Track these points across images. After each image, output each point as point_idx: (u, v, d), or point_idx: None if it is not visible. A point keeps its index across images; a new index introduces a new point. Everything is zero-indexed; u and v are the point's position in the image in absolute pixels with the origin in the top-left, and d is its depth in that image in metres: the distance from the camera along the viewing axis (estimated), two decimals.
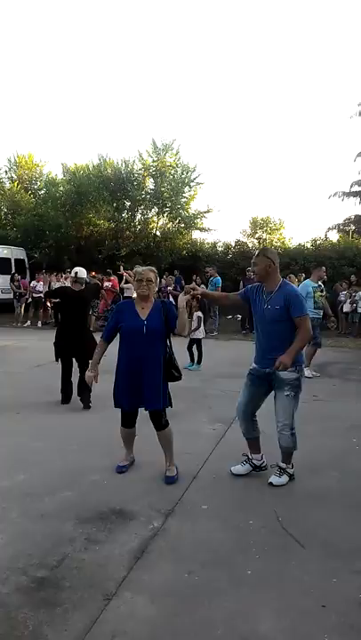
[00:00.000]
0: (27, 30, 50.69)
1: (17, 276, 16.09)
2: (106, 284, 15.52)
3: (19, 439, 4.74)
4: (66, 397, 6.21)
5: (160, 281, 15.50)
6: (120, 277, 15.29)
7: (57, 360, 6.18)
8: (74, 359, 6.12)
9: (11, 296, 15.87)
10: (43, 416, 5.55)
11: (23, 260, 18.67)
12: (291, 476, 3.96)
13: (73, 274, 6.42)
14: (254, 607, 2.43)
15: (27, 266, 18.59)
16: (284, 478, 3.92)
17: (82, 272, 6.36)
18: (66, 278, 15.33)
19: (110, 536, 3.05)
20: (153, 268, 3.99)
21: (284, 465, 3.96)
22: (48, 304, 14.57)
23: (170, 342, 3.96)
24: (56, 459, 4.27)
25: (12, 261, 17.84)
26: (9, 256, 17.88)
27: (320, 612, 2.39)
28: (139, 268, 3.99)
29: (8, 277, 16.19)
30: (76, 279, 6.31)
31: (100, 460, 4.22)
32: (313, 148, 47.73)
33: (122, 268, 15.11)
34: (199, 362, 8.41)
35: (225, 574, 2.69)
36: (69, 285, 6.62)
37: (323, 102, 49.47)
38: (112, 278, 15.58)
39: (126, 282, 14.52)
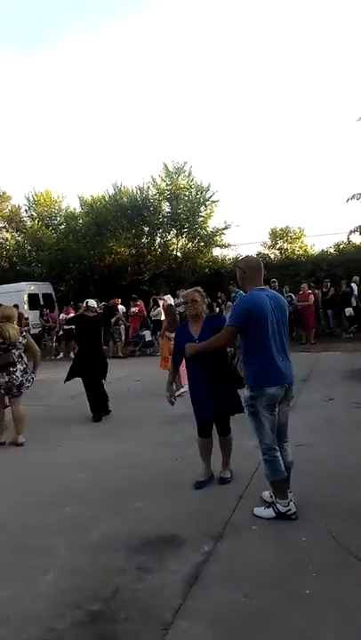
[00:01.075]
0: (36, 68, 52.61)
1: (45, 311, 16.38)
2: (132, 309, 15.66)
3: (62, 471, 4.76)
4: (97, 415, 6.85)
5: (174, 300, 15.55)
6: (148, 302, 15.44)
7: (66, 381, 7.02)
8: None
9: (40, 330, 16.16)
10: (82, 447, 5.57)
11: (50, 294, 19.06)
12: (280, 514, 3.44)
13: (85, 304, 7.67)
14: (316, 628, 2.34)
15: (54, 299, 18.96)
16: (268, 512, 3.50)
17: (92, 302, 7.63)
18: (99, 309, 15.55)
19: (161, 564, 3.01)
20: (198, 288, 4.40)
21: (267, 495, 3.64)
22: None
23: (232, 352, 3.98)
24: (100, 489, 4.25)
25: (40, 296, 18.23)
26: (36, 292, 18.28)
27: None
28: (184, 292, 4.21)
29: (37, 312, 16.53)
30: (87, 307, 7.47)
31: (143, 487, 4.19)
32: (326, 152, 47.55)
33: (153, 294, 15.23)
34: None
35: (282, 595, 2.61)
36: (83, 313, 7.61)
37: (333, 104, 49.43)
38: (138, 303, 15.72)
39: (156, 306, 14.60)
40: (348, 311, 14.48)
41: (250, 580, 2.76)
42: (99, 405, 6.88)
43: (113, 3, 50.50)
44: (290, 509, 3.45)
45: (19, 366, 5.98)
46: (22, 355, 6.10)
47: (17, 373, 5.93)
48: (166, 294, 14.56)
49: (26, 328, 10.17)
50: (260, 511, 3.54)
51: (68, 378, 7.03)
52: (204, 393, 4.15)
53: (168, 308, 8.90)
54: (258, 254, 20.84)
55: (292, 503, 3.48)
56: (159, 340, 11.93)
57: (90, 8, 51.17)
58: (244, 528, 3.38)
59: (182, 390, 7.91)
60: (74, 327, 8.01)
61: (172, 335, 8.21)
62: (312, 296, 14.03)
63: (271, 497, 3.55)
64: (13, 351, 5.97)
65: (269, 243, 22.44)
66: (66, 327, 15.02)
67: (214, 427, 4.27)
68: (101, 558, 3.12)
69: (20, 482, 4.62)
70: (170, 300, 13.99)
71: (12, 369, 5.92)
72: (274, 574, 2.81)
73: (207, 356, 3.95)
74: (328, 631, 2.31)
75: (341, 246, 19.11)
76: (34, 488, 4.40)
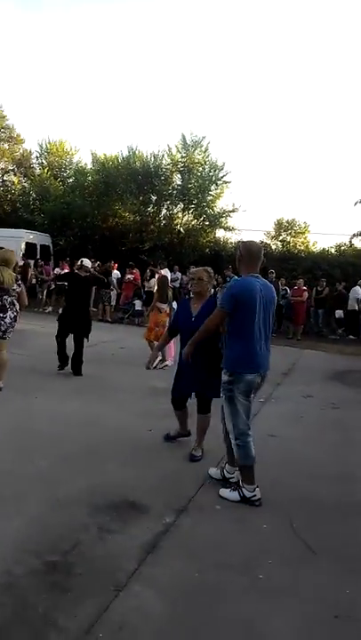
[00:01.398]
0: (61, 19, 50.87)
1: (40, 262, 16.21)
2: (128, 276, 15.58)
3: (39, 425, 4.78)
4: (63, 362, 7.11)
5: (182, 278, 15.52)
6: (144, 272, 15.35)
7: (57, 338, 7.10)
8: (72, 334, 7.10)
9: (34, 281, 16.01)
10: (65, 404, 5.58)
11: (48, 246, 18.84)
12: (245, 498, 3.50)
13: (79, 262, 7.80)
14: (265, 613, 2.41)
15: (51, 252, 18.75)
16: (233, 495, 3.55)
17: (87, 262, 7.76)
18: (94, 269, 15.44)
19: (123, 528, 3.05)
20: (208, 269, 4.43)
21: (235, 478, 3.70)
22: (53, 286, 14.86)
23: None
24: (72, 445, 4.29)
25: (38, 247, 18.00)
26: (35, 241, 18.04)
27: (332, 622, 2.36)
28: (194, 269, 4.51)
29: (32, 262, 16.33)
30: (81, 266, 7.61)
31: (115, 451, 4.24)
32: (343, 152, 47.12)
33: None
34: None
35: (237, 577, 2.67)
36: (77, 272, 7.71)
37: (354, 107, 48.75)
38: (134, 271, 15.64)
39: (152, 277, 14.53)
40: (339, 313, 14.61)
41: (206, 558, 2.82)
42: (77, 361, 7.08)
43: None
44: (255, 495, 3.52)
45: (9, 313, 5.89)
46: (15, 302, 6.00)
47: (6, 320, 5.85)
48: (164, 268, 14.48)
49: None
50: (226, 492, 3.60)
51: (59, 334, 7.12)
52: (184, 369, 4.28)
53: (161, 279, 8.87)
54: (260, 242, 20.78)
55: (257, 490, 3.54)
56: (149, 311, 11.91)
57: None
58: (207, 506, 3.44)
59: (165, 363, 7.97)
60: (65, 283, 8.14)
61: (163, 306, 8.24)
62: (306, 293, 14.08)
63: (242, 484, 3.58)
64: (5, 297, 5.86)
65: (273, 233, 22.39)
66: (58, 282, 14.99)
67: (195, 404, 4.34)
68: (66, 513, 3.15)
69: (3, 430, 4.60)
70: (167, 273, 13.93)
71: (1, 314, 5.84)
72: (231, 556, 2.87)
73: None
74: (277, 618, 2.37)
75: (343, 248, 19.14)
76: (8, 437, 4.41)
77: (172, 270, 15.45)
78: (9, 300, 5.90)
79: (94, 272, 10.28)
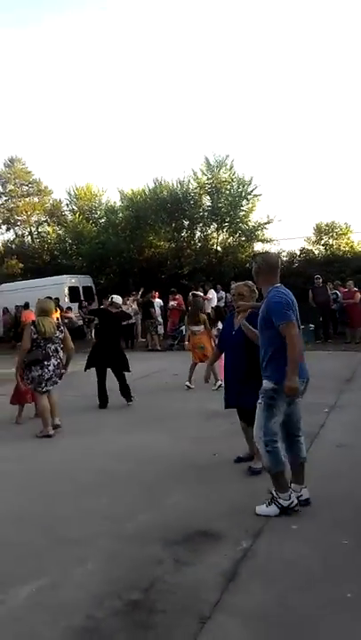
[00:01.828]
0: (72, 62, 53.24)
1: (84, 303, 16.64)
2: (171, 303, 15.70)
3: (100, 461, 4.81)
4: (103, 402, 7.21)
5: (225, 295, 15.48)
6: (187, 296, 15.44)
7: (85, 370, 7.35)
8: (109, 369, 7.26)
9: (81, 322, 16.42)
10: (121, 437, 5.62)
11: (90, 287, 19.35)
12: (283, 509, 3.41)
13: (109, 299, 7.93)
14: (356, 633, 2.27)
15: (94, 292, 19.22)
16: (272, 509, 3.44)
17: (117, 298, 7.90)
18: (133, 301, 15.71)
19: (199, 558, 2.99)
20: (248, 283, 4.40)
21: (272, 491, 3.51)
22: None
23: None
24: (136, 480, 4.28)
25: (80, 289, 18.53)
26: (77, 284, 18.61)
27: None
28: (235, 284, 4.61)
29: (77, 305, 16.81)
30: (112, 303, 7.78)
31: (179, 481, 4.19)
32: None
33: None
34: None
35: (322, 598, 2.55)
36: (107, 308, 7.91)
37: None
38: (177, 297, 15.74)
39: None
40: None
41: (288, 580, 2.71)
42: (124, 389, 7.21)
43: None
44: (292, 502, 3.42)
45: (52, 360, 5.98)
46: (58, 349, 6.08)
47: (50, 367, 5.95)
48: (209, 290, 14.49)
49: (66, 320, 10.30)
50: (263, 509, 3.48)
51: (87, 367, 7.41)
52: (229, 379, 4.49)
53: (192, 299, 8.94)
54: (301, 250, 20.52)
55: (293, 495, 3.43)
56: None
57: None
58: (283, 526, 3.32)
59: (219, 383, 7.89)
60: (95, 318, 8.45)
61: (195, 328, 8.25)
62: (358, 294, 13.65)
63: (277, 494, 3.46)
64: (49, 345, 5.98)
65: (314, 238, 22.00)
66: (84, 316, 15.45)
67: None
68: (138, 550, 3.13)
69: (57, 470, 4.69)
70: (212, 294, 13.95)
71: (45, 362, 5.93)
72: (312, 575, 2.75)
73: (240, 347, 4.22)
74: None
75: None
76: (70, 477, 4.47)
77: (215, 290, 15.50)
78: (52, 347, 6.01)
79: (130, 306, 10.44)
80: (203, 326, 8.35)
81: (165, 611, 2.51)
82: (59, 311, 13.96)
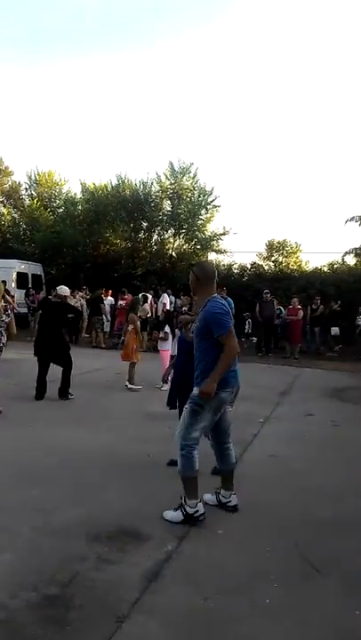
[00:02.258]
0: (49, 51, 52.21)
1: (31, 291, 16.21)
2: (120, 302, 15.58)
3: (33, 453, 4.68)
4: (39, 394, 7.01)
5: (175, 300, 15.55)
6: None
7: (35, 355, 7.19)
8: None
9: (26, 310, 15.98)
10: (58, 431, 5.49)
11: (40, 275, 18.87)
12: (187, 516, 3.37)
13: (55, 290, 7.87)
14: (272, 637, 2.31)
15: (43, 281, 18.77)
16: (177, 515, 3.41)
17: (62, 289, 7.64)
18: (82, 297, 15.48)
19: (123, 556, 2.96)
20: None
21: (183, 497, 3.46)
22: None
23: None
24: (69, 475, 4.19)
25: (29, 276, 18.04)
26: (26, 271, 18.09)
27: None
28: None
29: (24, 292, 16.35)
30: (56, 294, 7.65)
31: (112, 479, 4.14)
32: (331, 171, 47.96)
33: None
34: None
35: (242, 602, 2.58)
36: (49, 297, 7.87)
37: (342, 125, 49.92)
38: (126, 297, 15.63)
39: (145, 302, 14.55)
40: (334, 330, 14.61)
41: (210, 583, 2.72)
42: (62, 385, 7.12)
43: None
44: (197, 511, 3.37)
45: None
46: (3, 333, 6.00)
47: None
48: (164, 293, 14.47)
49: (10, 305, 9.98)
50: (169, 514, 3.46)
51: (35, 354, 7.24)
52: (174, 382, 4.53)
53: (131, 302, 9.11)
54: (252, 264, 20.94)
55: (200, 504, 3.40)
56: (143, 335, 11.89)
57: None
58: (209, 531, 3.34)
59: (160, 386, 7.91)
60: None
61: (129, 328, 8.33)
62: (301, 311, 14.10)
63: (185, 501, 3.42)
64: None
65: (265, 254, 22.57)
66: (30, 305, 15.63)
67: None
68: (63, 544, 3.06)
69: None
70: (166, 298, 13.95)
71: None
72: (235, 580, 2.78)
73: (186, 353, 4.15)
74: None
75: (336, 266, 19.28)
76: (4, 467, 4.31)
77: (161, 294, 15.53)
78: None
79: (79, 299, 10.28)
80: (131, 326, 8.38)
81: (83, 607, 2.46)
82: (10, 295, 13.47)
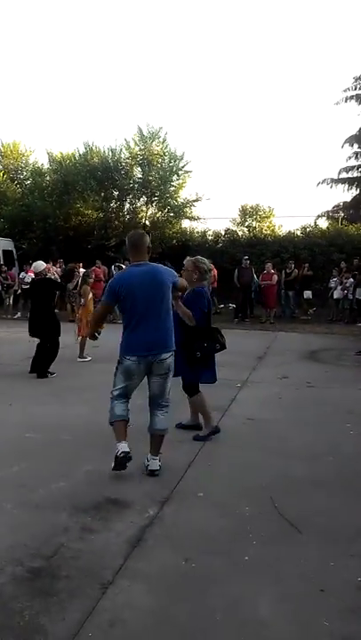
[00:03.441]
0: (14, 15, 49.70)
1: (4, 268, 15.90)
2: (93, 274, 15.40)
3: (13, 430, 4.69)
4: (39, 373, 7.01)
5: None
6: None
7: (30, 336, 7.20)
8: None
9: None
10: (36, 407, 5.49)
11: (11, 251, 18.45)
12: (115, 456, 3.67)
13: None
14: (253, 593, 2.42)
15: (15, 257, 18.38)
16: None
17: (37, 264, 7.49)
18: (55, 272, 15.23)
19: (106, 525, 3.02)
20: (196, 259, 4.51)
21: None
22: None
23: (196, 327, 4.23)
24: (50, 449, 4.22)
25: (0, 253, 17.63)
26: None
27: (319, 597, 2.39)
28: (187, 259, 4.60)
29: None
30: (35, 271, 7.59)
31: (94, 450, 4.18)
32: (301, 135, 47.64)
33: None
34: None
35: (222, 561, 2.68)
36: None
37: (311, 89, 49.31)
38: (100, 268, 15.46)
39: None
40: (307, 294, 14.79)
41: (192, 545, 2.81)
42: (35, 363, 7.08)
43: None
44: (117, 450, 3.61)
45: None
46: None
47: None
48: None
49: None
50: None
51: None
52: None
53: (83, 275, 9.33)
54: (226, 230, 20.85)
55: (121, 447, 3.61)
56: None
57: None
58: (190, 495, 3.44)
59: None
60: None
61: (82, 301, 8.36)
62: (275, 276, 14.19)
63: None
64: None
65: (238, 219, 22.43)
66: (3, 282, 15.27)
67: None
68: (46, 517, 3.11)
69: None
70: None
71: None
72: (215, 541, 2.88)
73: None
74: (263, 596, 2.39)
75: (308, 229, 19.33)
76: None
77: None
78: None
79: (54, 274, 10.18)
80: (83, 300, 8.42)
81: (68, 577, 2.52)
82: None
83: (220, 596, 2.39)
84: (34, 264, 7.61)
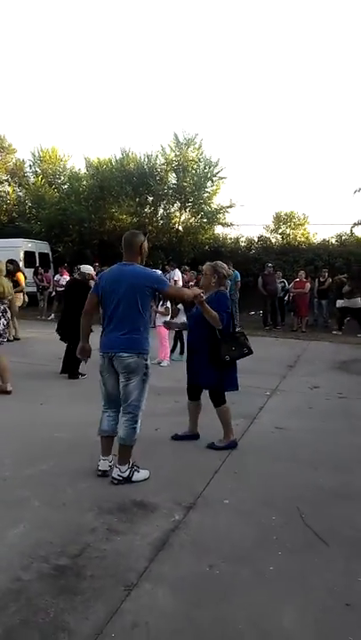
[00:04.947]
0: (51, 23, 50.97)
1: (40, 270, 16.24)
2: None
3: (42, 429, 4.78)
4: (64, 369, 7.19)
5: (182, 276, 15.53)
6: None
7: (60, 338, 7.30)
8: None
9: (34, 289, 16.03)
10: (66, 407, 5.59)
11: (47, 254, 18.86)
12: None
13: (79, 268, 7.97)
14: (277, 603, 2.39)
15: (51, 260, 18.76)
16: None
17: (85, 268, 7.67)
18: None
19: (131, 527, 3.04)
20: (216, 263, 4.50)
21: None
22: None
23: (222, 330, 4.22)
24: (78, 449, 4.28)
25: (37, 255, 18.03)
26: (33, 250, 18.08)
27: (344, 611, 2.34)
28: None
29: (32, 271, 16.35)
30: (79, 272, 7.78)
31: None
32: (339, 141, 46.90)
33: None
34: (181, 352, 8.60)
35: (247, 569, 2.65)
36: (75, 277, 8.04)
37: (349, 95, 48.59)
38: None
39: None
40: (340, 303, 14.51)
41: (216, 552, 2.80)
42: (68, 365, 7.16)
43: None
44: (98, 465, 3.78)
45: (2, 320, 6.01)
46: (7, 309, 6.16)
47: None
48: (174, 268, 14.40)
49: (18, 288, 10.09)
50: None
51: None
52: (187, 359, 4.59)
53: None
54: (259, 237, 20.75)
55: (102, 462, 3.77)
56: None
57: None
58: (215, 501, 3.42)
59: (162, 363, 8.01)
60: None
61: None
62: (308, 284, 14.01)
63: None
64: None
65: (272, 226, 22.28)
66: (39, 283, 15.53)
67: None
68: (73, 516, 3.15)
69: (1, 435, 4.62)
70: (177, 274, 13.88)
71: None
72: (241, 548, 2.85)
73: (195, 328, 4.39)
74: (287, 607, 2.36)
75: (343, 237, 19.04)
76: (14, 443, 4.42)
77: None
78: (2, 307, 6.02)
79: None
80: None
81: (93, 576, 2.55)
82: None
83: (244, 605, 2.38)
84: (83, 266, 7.76)
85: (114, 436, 3.79)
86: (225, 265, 4.55)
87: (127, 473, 3.66)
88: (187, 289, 3.97)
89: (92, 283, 8.27)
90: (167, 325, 6.31)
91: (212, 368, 4.24)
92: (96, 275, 8.77)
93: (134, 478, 3.67)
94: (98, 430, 3.83)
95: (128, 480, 3.65)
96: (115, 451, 3.81)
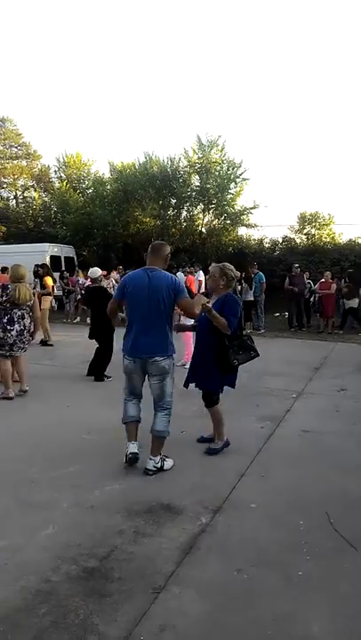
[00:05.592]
0: (72, 30, 51.66)
1: (66, 274, 16.45)
2: None
3: (70, 431, 4.84)
4: (89, 371, 7.33)
5: (205, 277, 15.51)
6: None
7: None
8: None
9: (60, 292, 16.25)
10: (93, 409, 5.64)
11: (73, 257, 19.11)
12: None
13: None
14: (306, 609, 2.37)
15: (76, 264, 18.99)
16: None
17: (92, 271, 7.76)
18: (115, 278, 15.56)
19: (159, 530, 3.05)
20: (223, 264, 4.47)
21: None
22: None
23: (232, 334, 4.18)
24: (105, 451, 4.32)
25: (62, 259, 18.28)
26: (59, 254, 18.36)
27: None
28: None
29: (58, 275, 16.57)
30: (89, 277, 7.89)
31: (147, 454, 4.23)
32: None
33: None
34: None
35: (275, 574, 2.63)
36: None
37: None
38: None
39: None
40: (348, 304, 14.22)
41: (244, 556, 2.79)
42: (93, 367, 7.31)
43: None
44: (127, 449, 3.97)
45: (16, 326, 6.03)
46: (25, 315, 6.11)
47: (12, 332, 6.01)
48: (198, 271, 14.40)
49: (44, 290, 10.20)
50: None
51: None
52: (192, 361, 4.57)
53: None
54: (284, 238, 20.58)
55: (130, 447, 3.95)
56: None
57: None
58: (242, 505, 3.41)
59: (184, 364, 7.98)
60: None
61: None
62: (334, 285, 13.81)
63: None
64: (15, 310, 6.03)
65: (297, 227, 22.08)
66: (64, 287, 15.92)
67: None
68: (101, 518, 3.18)
69: (29, 438, 4.70)
70: (201, 275, 13.89)
71: (9, 327, 5.99)
72: (268, 553, 2.83)
73: (201, 332, 4.35)
74: (316, 613, 2.33)
75: None
76: (42, 445, 4.49)
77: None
78: (18, 313, 6.06)
79: (113, 280, 10.52)
80: None
81: (121, 579, 2.57)
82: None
83: (272, 610, 2.36)
84: (90, 270, 7.83)
85: (139, 421, 4.05)
86: (233, 267, 4.50)
87: (160, 463, 3.92)
88: (196, 303, 3.95)
89: (104, 282, 8.42)
90: (178, 328, 6.26)
91: (216, 372, 4.22)
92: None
93: (165, 467, 3.95)
94: (123, 417, 4.04)
95: (160, 469, 3.89)
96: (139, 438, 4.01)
